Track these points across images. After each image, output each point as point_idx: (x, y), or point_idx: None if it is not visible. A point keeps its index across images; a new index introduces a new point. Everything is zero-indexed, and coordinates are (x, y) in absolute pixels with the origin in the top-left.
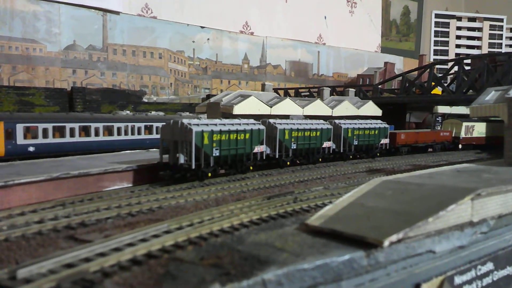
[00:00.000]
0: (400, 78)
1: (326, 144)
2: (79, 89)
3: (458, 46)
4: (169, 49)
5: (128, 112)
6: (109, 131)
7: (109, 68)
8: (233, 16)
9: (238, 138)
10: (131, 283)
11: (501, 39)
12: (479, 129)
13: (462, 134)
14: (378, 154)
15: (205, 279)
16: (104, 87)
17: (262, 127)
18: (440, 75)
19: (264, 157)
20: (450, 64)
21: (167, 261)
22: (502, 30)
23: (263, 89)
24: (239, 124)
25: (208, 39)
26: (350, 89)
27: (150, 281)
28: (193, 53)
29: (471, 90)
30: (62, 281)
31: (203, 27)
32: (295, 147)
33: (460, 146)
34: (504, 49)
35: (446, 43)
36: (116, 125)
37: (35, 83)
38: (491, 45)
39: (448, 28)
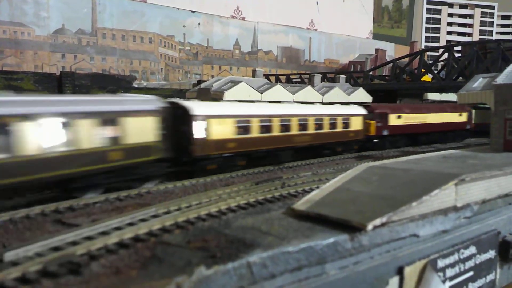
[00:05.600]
0: (391, 64)
1: None
2: (68, 73)
3: (449, 33)
4: (159, 34)
5: None
6: None
7: (98, 52)
8: (224, 0)
9: None
10: (118, 265)
11: (492, 26)
12: None
13: None
14: None
15: (191, 261)
16: (94, 72)
17: None
18: (430, 62)
19: None
20: (441, 51)
21: (154, 245)
22: (493, 18)
23: (254, 75)
24: None
25: (199, 23)
26: (341, 75)
27: (136, 264)
28: (183, 38)
29: (460, 77)
30: (48, 264)
31: (194, 11)
32: None
33: None
34: (494, 36)
35: (437, 30)
36: None
37: (24, 68)
38: (482, 32)
39: (440, 15)
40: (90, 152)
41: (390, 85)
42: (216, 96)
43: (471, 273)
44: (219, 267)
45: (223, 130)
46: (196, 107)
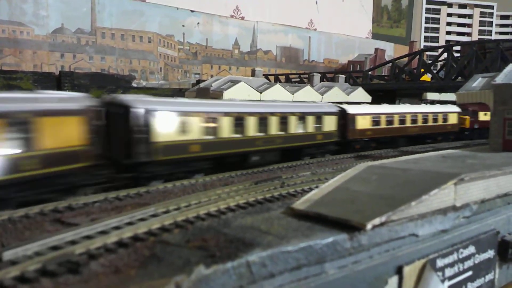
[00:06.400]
0: (390, 64)
1: None
2: (67, 73)
3: (448, 33)
4: (159, 33)
5: None
6: None
7: (97, 52)
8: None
9: None
10: (117, 265)
11: (491, 26)
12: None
13: None
14: None
15: (190, 261)
16: (93, 71)
17: None
18: (429, 61)
19: None
20: (440, 50)
21: (153, 244)
22: (492, 17)
23: (253, 75)
24: None
25: (198, 23)
26: (340, 75)
27: (135, 263)
28: (183, 37)
29: (459, 77)
30: (47, 263)
31: (193, 11)
32: None
33: None
34: (494, 36)
35: (436, 30)
36: None
37: (23, 67)
38: (481, 32)
39: (439, 14)
40: (310, 134)
41: (389, 84)
42: (215, 96)
43: (470, 273)
44: (218, 266)
45: (364, 123)
46: (349, 108)
